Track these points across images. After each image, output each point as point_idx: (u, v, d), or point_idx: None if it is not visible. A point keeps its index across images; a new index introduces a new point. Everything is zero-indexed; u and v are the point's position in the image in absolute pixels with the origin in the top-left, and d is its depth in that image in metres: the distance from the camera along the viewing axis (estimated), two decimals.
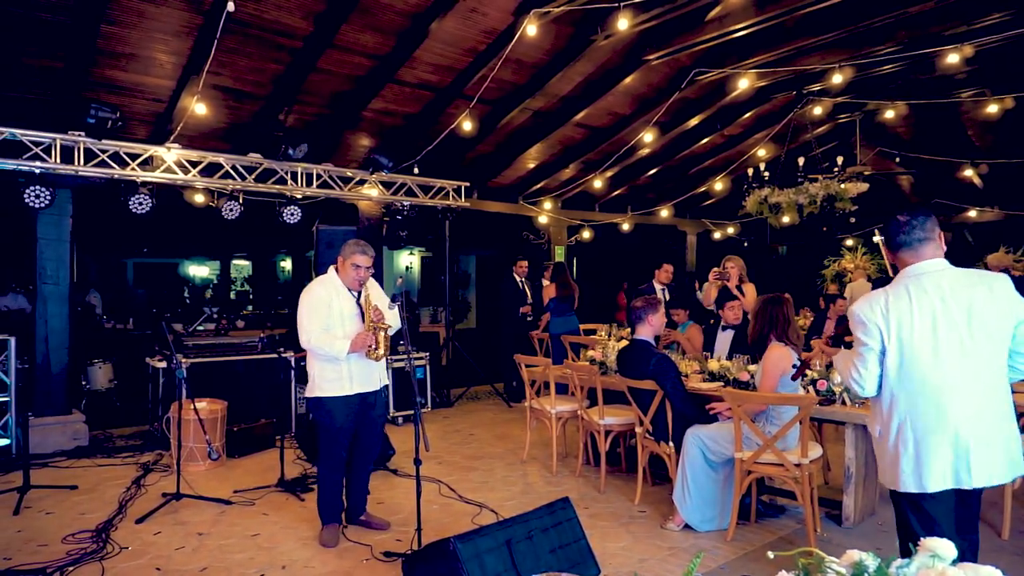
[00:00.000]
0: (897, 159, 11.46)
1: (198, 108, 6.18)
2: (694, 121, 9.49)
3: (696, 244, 13.42)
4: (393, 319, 4.30)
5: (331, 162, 7.92)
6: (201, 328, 9.79)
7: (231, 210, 7.05)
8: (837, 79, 7.84)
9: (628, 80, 7.94)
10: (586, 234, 11.15)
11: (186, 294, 20.91)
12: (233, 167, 7.12)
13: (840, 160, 8.47)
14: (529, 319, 9.15)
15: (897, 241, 2.58)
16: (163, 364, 6.74)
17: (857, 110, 9.85)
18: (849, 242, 13.99)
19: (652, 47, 7.40)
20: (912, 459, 2.44)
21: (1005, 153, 10.67)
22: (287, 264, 23.76)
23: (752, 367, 4.87)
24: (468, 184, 8.90)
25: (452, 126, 7.36)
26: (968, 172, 10.96)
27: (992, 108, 8.87)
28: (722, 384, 5.01)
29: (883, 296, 2.54)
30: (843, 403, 4.42)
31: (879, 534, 4.31)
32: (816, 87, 8.94)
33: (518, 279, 9.08)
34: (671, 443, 4.59)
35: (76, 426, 6.59)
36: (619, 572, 3.79)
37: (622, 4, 5.65)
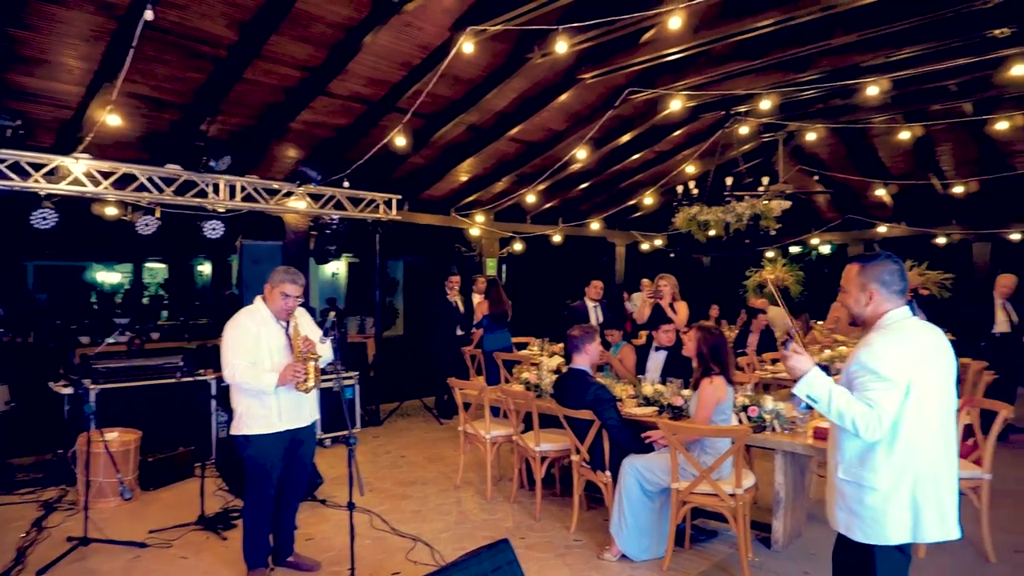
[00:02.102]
0: (816, 177, 11.95)
1: (110, 119, 5.79)
2: (626, 138, 9.60)
3: (625, 255, 13.62)
4: (325, 351, 4.12)
5: (256, 174, 7.58)
6: (112, 340, 9.20)
7: (146, 225, 6.65)
8: (765, 104, 8.09)
9: (563, 97, 7.96)
10: (518, 246, 11.13)
11: (94, 300, 19.68)
12: (149, 179, 6.70)
13: (765, 180, 8.74)
14: (460, 334, 9.04)
15: (899, 290, 2.59)
16: (68, 390, 6.29)
17: (780, 130, 10.20)
18: (770, 254, 14.50)
19: (588, 66, 7.43)
20: (908, 511, 2.46)
21: (913, 175, 11.29)
22: (206, 268, 22.75)
23: (686, 392, 4.92)
24: (400, 197, 8.71)
25: (385, 140, 7.18)
26: (880, 191, 11.53)
27: (904, 135, 9.35)
28: (656, 409, 5.05)
29: (896, 340, 2.49)
30: (773, 430, 4.51)
31: (807, 557, 4.42)
32: (743, 108, 9.20)
33: (450, 295, 8.96)
34: (608, 472, 4.58)
35: None
36: None
37: (561, 27, 5.62)
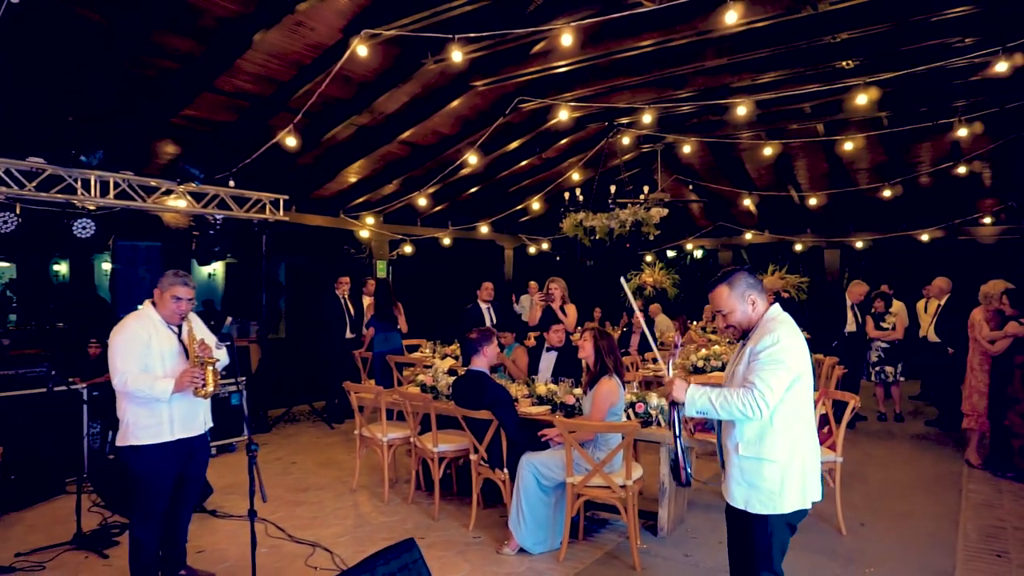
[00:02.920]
0: (691, 186, 12.77)
1: None
2: (515, 144, 9.87)
3: (513, 258, 13.93)
4: (222, 356, 4.01)
5: (132, 170, 7.15)
6: None
7: (5, 222, 6.12)
8: (647, 119, 8.60)
9: (455, 103, 8.08)
10: (408, 248, 11.13)
11: None
12: (7, 171, 6.18)
13: (646, 189, 9.28)
14: (350, 336, 8.94)
15: (762, 288, 2.92)
16: None
17: (658, 141, 10.84)
18: (648, 257, 15.33)
19: (480, 74, 7.59)
20: (800, 479, 2.76)
21: (774, 187, 12.34)
22: (62, 268, 20.94)
23: (577, 391, 5.17)
24: (287, 197, 8.49)
25: (275, 139, 7.01)
26: (747, 201, 12.50)
27: (768, 151, 10.22)
28: (550, 408, 5.27)
29: (794, 332, 2.80)
30: (658, 424, 4.85)
31: (689, 541, 4.79)
32: (625, 120, 9.70)
33: (340, 296, 8.85)
34: (506, 470, 4.75)
35: None
36: None
37: (456, 36, 5.74)
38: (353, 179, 9.61)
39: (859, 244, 12.68)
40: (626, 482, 4.30)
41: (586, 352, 4.50)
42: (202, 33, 5.90)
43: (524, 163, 10.66)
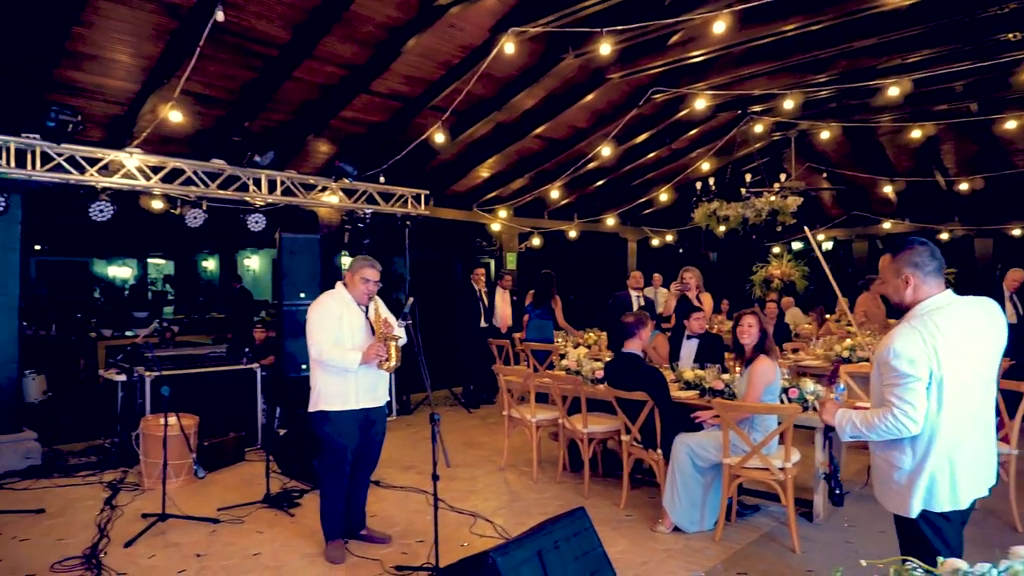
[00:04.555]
0: (825, 174, 12.28)
1: (172, 115, 6.00)
2: (644, 136, 9.89)
3: (636, 250, 13.92)
4: (401, 334, 4.37)
5: (293, 169, 7.81)
6: (146, 332, 9.37)
7: (195, 218, 6.87)
8: (788, 104, 8.40)
9: (589, 96, 8.23)
10: (536, 241, 11.40)
11: (98, 295, 19.75)
12: (195, 173, 6.92)
13: (783, 177, 9.06)
14: (484, 326, 9.29)
15: (933, 269, 2.66)
16: (122, 377, 6.51)
17: (792, 128, 10.52)
18: (776, 249, 14.85)
19: (616, 66, 7.70)
20: (948, 479, 2.58)
21: (917, 173, 11.66)
22: (210, 264, 22.86)
23: (725, 376, 5.20)
24: (428, 192, 8.95)
25: (423, 136, 7.43)
26: (887, 188, 11.89)
27: (916, 134, 9.69)
28: (698, 393, 5.33)
29: (917, 334, 2.57)
30: (814, 409, 4.79)
31: (848, 529, 4.72)
32: (759, 107, 9.50)
33: (476, 288, 9.21)
34: (659, 450, 4.86)
35: (28, 444, 6.26)
36: (625, 575, 4.01)
37: (604, 29, 5.88)
38: (486, 174, 9.96)
39: (1016, 232, 11.75)
40: (785, 464, 4.31)
41: (751, 335, 4.53)
42: (366, 39, 6.35)
43: (652, 155, 10.65)
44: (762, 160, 11.84)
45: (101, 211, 6.23)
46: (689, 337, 6.57)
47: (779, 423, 4.34)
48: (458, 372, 9.51)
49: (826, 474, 2.89)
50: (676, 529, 4.66)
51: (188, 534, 4.66)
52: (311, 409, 4.30)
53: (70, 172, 6.16)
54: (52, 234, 17.01)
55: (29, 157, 5.97)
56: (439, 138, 7.35)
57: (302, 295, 7.13)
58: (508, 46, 6.33)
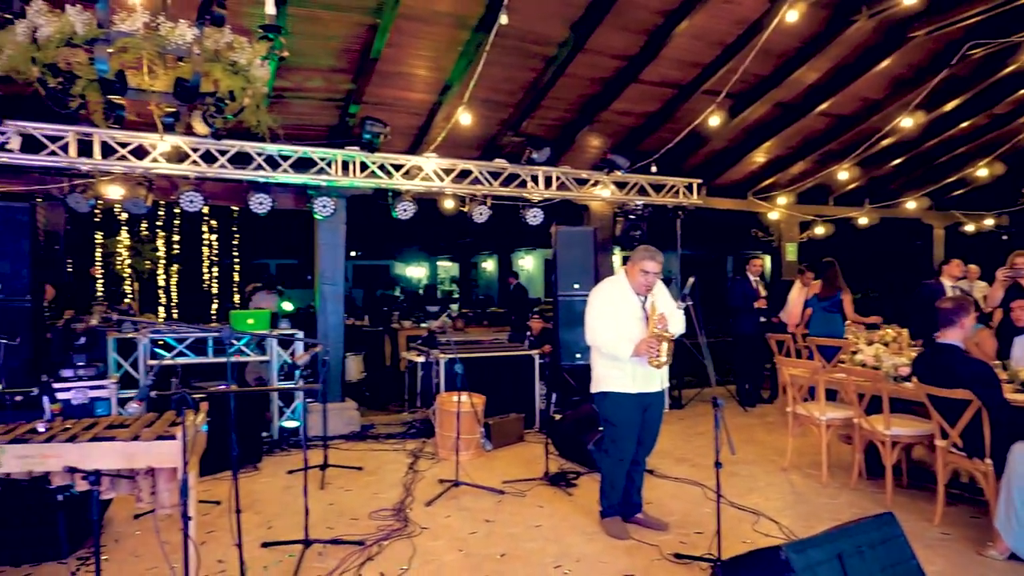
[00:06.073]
0: None
1: (463, 117, 6.58)
2: (954, 102, 8.49)
3: (944, 238, 12.05)
4: (678, 323, 4.27)
5: (566, 165, 8.09)
6: (437, 323, 10.43)
7: (480, 214, 7.46)
8: None
9: (886, 62, 7.29)
10: (819, 230, 10.43)
11: (398, 293, 22.57)
12: (481, 172, 7.51)
13: None
14: (763, 320, 8.72)
15: None
16: (420, 359, 7.30)
17: None
18: None
19: (922, 21, 6.71)
20: None
21: None
22: (488, 265, 24.90)
23: None
24: (699, 181, 8.67)
25: (696, 122, 7.21)
26: None
27: None
28: None
29: None
30: None
31: None
32: None
33: (752, 278, 8.69)
34: (988, 460, 4.11)
35: (349, 413, 7.31)
36: None
37: None
38: (762, 159, 9.37)
39: None
40: None
41: None
42: (638, 27, 6.34)
43: (966, 123, 9.11)
44: None
45: (404, 209, 7.07)
46: (1022, 332, 5.50)
47: None
48: (734, 369, 9.07)
49: None
50: (1013, 556, 3.90)
51: (477, 501, 5.05)
52: (593, 390, 4.43)
53: (381, 177, 7.08)
54: (364, 239, 19.85)
55: (351, 166, 6.98)
56: (713, 121, 7.06)
57: (576, 286, 7.37)
58: (790, 14, 5.86)
